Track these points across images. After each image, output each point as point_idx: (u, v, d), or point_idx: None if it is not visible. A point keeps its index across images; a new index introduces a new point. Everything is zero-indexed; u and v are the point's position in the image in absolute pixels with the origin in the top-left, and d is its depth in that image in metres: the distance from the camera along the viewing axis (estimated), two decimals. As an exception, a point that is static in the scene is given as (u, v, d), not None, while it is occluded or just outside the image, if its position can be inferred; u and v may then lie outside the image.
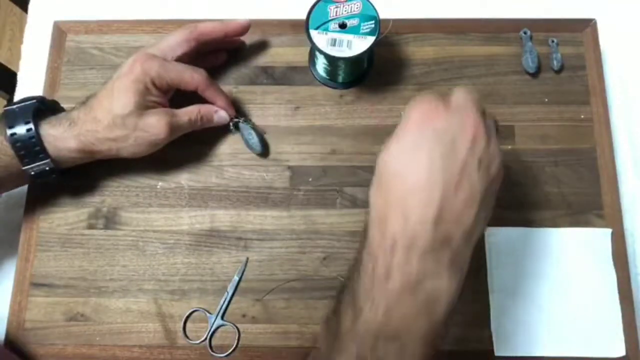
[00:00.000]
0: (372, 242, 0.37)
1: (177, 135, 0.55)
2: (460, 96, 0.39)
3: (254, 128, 0.58)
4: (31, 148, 0.50)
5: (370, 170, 0.57)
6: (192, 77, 0.54)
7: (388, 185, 0.37)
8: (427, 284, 0.35)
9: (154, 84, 0.52)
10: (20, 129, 0.49)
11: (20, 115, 0.50)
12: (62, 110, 0.56)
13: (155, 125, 0.52)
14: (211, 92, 0.56)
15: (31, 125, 0.50)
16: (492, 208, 0.38)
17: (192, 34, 0.56)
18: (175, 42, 0.55)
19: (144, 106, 0.52)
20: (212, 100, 0.56)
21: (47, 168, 0.51)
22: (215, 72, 0.60)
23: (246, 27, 0.59)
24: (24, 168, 0.50)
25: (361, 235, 0.39)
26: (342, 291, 0.39)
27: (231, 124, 0.58)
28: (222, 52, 0.61)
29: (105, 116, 0.51)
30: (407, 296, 0.35)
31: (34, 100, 0.52)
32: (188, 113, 0.55)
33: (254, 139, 0.57)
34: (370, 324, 0.36)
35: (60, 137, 0.51)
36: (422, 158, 0.36)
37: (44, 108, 0.53)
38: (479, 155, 0.36)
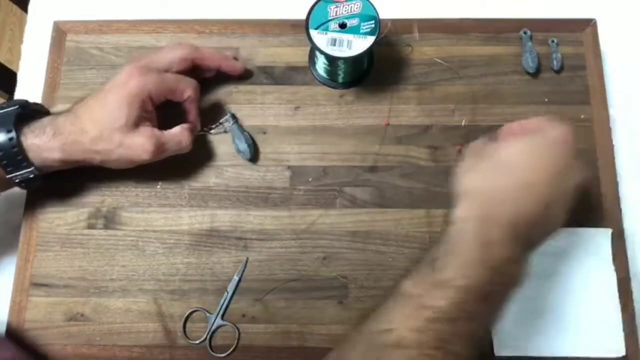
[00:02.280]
0: (477, 209, 0.40)
1: (163, 157, 0.54)
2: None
3: (243, 134, 0.58)
4: (14, 157, 0.49)
5: (371, 170, 0.57)
6: (186, 88, 0.54)
7: (507, 171, 0.41)
8: (512, 267, 0.41)
9: (150, 97, 0.52)
10: (2, 139, 0.48)
11: (1, 124, 0.49)
12: (47, 113, 0.55)
13: (140, 146, 0.51)
14: (193, 105, 0.56)
15: (13, 135, 0.48)
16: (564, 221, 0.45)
17: (191, 54, 0.56)
18: (173, 58, 0.54)
19: (133, 122, 0.51)
20: (189, 111, 0.56)
21: (31, 176, 0.50)
22: (215, 72, 0.60)
23: (240, 73, 0.59)
24: (7, 177, 0.50)
25: (453, 197, 0.43)
26: (438, 244, 0.41)
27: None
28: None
29: (94, 128, 0.50)
30: (499, 269, 0.39)
31: (16, 106, 0.50)
32: (177, 136, 0.54)
33: (243, 145, 0.57)
34: (473, 280, 0.38)
35: (45, 148, 0.50)
36: (548, 167, 0.41)
37: (27, 112, 0.51)
38: (576, 190, 0.43)
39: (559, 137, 0.42)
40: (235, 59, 0.61)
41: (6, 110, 0.50)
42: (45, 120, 0.51)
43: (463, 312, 0.37)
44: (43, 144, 0.50)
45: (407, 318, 0.37)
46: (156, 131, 0.53)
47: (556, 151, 0.42)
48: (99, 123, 0.50)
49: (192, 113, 0.56)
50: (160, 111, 0.55)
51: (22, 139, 0.49)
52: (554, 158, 0.42)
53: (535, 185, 0.40)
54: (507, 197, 0.40)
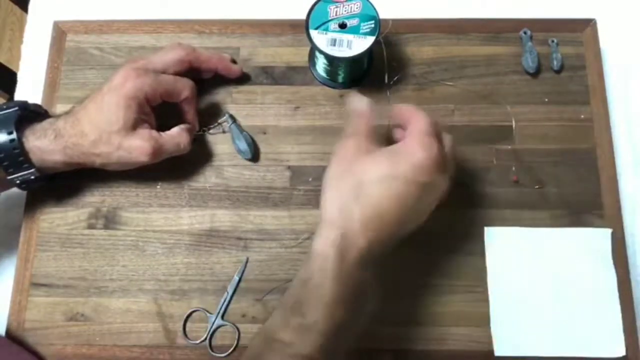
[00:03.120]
0: (334, 240, 0.42)
1: (162, 159, 0.54)
2: (449, 148, 0.45)
3: (243, 134, 0.58)
4: (15, 158, 0.49)
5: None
6: (183, 89, 0.54)
7: (365, 197, 0.42)
8: (366, 290, 0.43)
9: (147, 99, 0.52)
10: (3, 140, 0.48)
11: (2, 125, 0.49)
12: (45, 114, 0.55)
13: (139, 148, 0.51)
14: (191, 106, 0.56)
15: (14, 136, 0.48)
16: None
17: (189, 56, 0.55)
18: (170, 60, 0.54)
19: (131, 124, 0.51)
20: (187, 111, 0.56)
21: (32, 177, 0.51)
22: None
23: (238, 76, 0.60)
24: (8, 178, 0.50)
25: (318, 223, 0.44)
26: (300, 281, 0.43)
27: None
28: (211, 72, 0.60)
29: (93, 131, 0.50)
30: (355, 297, 0.42)
31: (16, 108, 0.50)
32: (175, 138, 0.54)
33: (243, 145, 0.57)
34: (334, 319, 0.41)
35: (46, 150, 0.50)
36: (407, 196, 0.42)
37: (27, 113, 0.52)
38: (435, 204, 0.45)
39: (417, 160, 0.42)
40: (234, 61, 0.61)
41: (7, 111, 0.50)
42: (46, 122, 0.51)
43: (325, 353, 0.39)
44: (44, 146, 0.50)
45: None
46: (154, 133, 0.53)
47: (412, 178, 0.42)
48: (97, 126, 0.50)
49: (190, 113, 0.56)
50: (158, 112, 0.55)
51: (24, 140, 0.49)
52: (409, 187, 0.42)
53: (386, 216, 0.41)
54: (361, 229, 0.41)
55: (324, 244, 0.41)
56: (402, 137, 0.46)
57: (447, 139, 0.47)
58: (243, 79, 0.61)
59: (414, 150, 0.42)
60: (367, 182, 0.42)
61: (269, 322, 0.43)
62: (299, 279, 0.43)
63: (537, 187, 0.56)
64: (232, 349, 0.53)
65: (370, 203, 0.42)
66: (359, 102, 0.48)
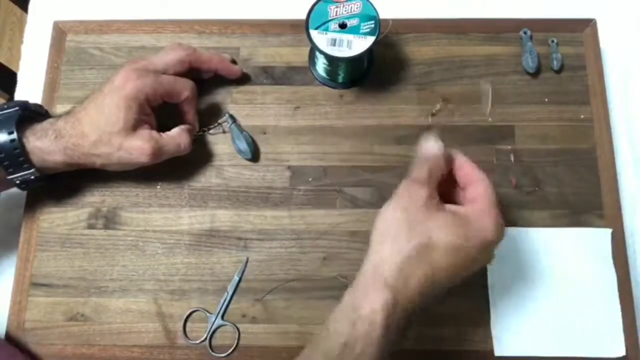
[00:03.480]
0: (389, 302, 0.40)
1: (162, 160, 0.54)
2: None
3: (243, 134, 0.58)
4: (15, 158, 0.49)
5: (370, 170, 0.57)
6: (183, 89, 0.54)
7: (429, 264, 0.41)
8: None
9: (147, 100, 0.52)
10: (3, 140, 0.48)
11: (3, 125, 0.49)
12: (46, 114, 0.56)
13: (139, 149, 0.51)
14: (191, 106, 0.55)
15: (15, 136, 0.48)
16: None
17: (189, 56, 0.56)
18: (170, 60, 0.54)
19: (132, 125, 0.51)
20: (187, 112, 0.56)
21: (32, 177, 0.51)
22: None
23: (238, 76, 0.60)
24: (8, 177, 0.50)
25: (368, 271, 0.42)
26: (349, 339, 0.40)
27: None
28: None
29: (93, 132, 0.50)
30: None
31: (17, 108, 0.50)
32: (176, 138, 0.54)
33: (243, 145, 0.57)
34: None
35: (47, 150, 0.50)
36: (464, 263, 0.41)
37: (27, 113, 0.52)
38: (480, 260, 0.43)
39: (489, 236, 0.41)
40: (234, 61, 0.61)
41: (7, 111, 0.50)
42: (47, 122, 0.51)
43: None
44: (45, 146, 0.50)
45: None
46: (154, 134, 0.53)
47: (478, 253, 0.41)
48: (97, 127, 0.50)
49: (190, 114, 0.56)
50: (158, 113, 0.55)
51: (24, 141, 0.50)
52: (473, 259, 0.41)
53: (440, 281, 0.41)
54: (416, 292, 0.40)
55: (375, 307, 0.39)
56: (462, 197, 0.45)
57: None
58: (243, 79, 0.61)
59: (487, 226, 0.41)
60: (434, 247, 0.40)
61: None
62: (339, 341, 0.39)
63: (530, 190, 0.56)
64: (232, 349, 0.53)
65: (431, 270, 0.40)
66: (433, 145, 0.45)
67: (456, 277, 0.42)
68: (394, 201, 0.43)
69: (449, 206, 0.43)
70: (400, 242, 0.40)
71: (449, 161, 0.45)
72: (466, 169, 0.45)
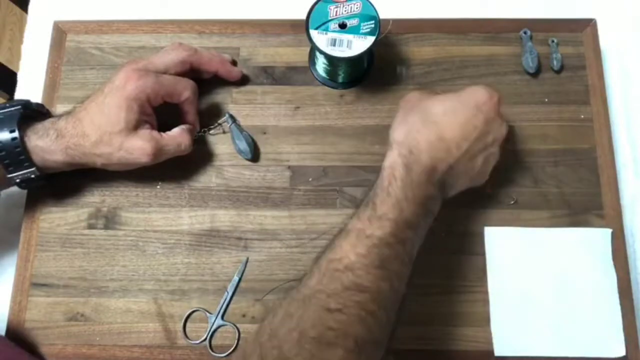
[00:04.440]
0: (406, 155, 0.47)
1: (163, 160, 0.54)
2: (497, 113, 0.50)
3: (243, 134, 0.58)
4: (16, 157, 0.49)
5: (371, 170, 0.57)
6: (184, 89, 0.54)
7: (433, 124, 0.48)
8: (432, 203, 0.47)
9: (148, 100, 0.52)
10: (5, 138, 0.48)
11: (4, 123, 0.49)
12: (48, 114, 0.56)
13: (140, 149, 0.51)
14: (192, 106, 0.55)
15: (16, 134, 0.49)
16: (471, 184, 0.51)
17: (191, 57, 0.56)
18: (171, 61, 0.54)
19: (133, 125, 0.51)
20: (187, 112, 0.56)
21: (32, 176, 0.51)
22: (215, 72, 0.60)
23: (237, 78, 0.60)
24: (8, 176, 0.50)
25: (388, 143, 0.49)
26: (373, 187, 0.47)
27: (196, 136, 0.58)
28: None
29: (94, 132, 0.50)
30: (422, 204, 0.46)
31: (19, 107, 0.50)
32: (176, 138, 0.54)
33: (243, 145, 0.57)
34: (403, 214, 0.45)
35: (48, 149, 0.50)
36: (470, 125, 0.47)
37: (29, 113, 0.52)
38: (490, 152, 0.49)
39: (480, 97, 0.48)
40: (234, 62, 0.61)
41: (9, 110, 0.50)
42: (48, 122, 0.52)
43: (397, 238, 0.44)
44: (46, 146, 0.50)
45: (353, 247, 0.43)
46: (155, 134, 0.53)
47: (475, 111, 0.48)
48: (98, 127, 0.50)
49: (191, 114, 0.56)
50: (159, 112, 0.55)
51: (26, 140, 0.50)
52: (472, 117, 0.47)
53: (450, 140, 0.47)
54: (426, 148, 0.46)
55: (392, 158, 0.47)
56: None
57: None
58: (243, 80, 0.61)
59: (478, 89, 0.49)
60: (433, 114, 0.48)
61: (351, 221, 0.46)
62: (371, 187, 0.47)
63: (512, 202, 0.57)
64: (232, 349, 0.53)
65: (435, 128, 0.47)
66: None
67: (468, 134, 0.47)
68: (398, 110, 0.51)
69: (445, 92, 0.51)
70: (405, 122, 0.49)
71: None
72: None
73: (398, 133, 0.48)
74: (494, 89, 0.49)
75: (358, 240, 0.43)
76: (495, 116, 0.49)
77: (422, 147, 0.46)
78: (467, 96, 0.49)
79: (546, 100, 0.60)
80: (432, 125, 0.47)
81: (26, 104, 0.52)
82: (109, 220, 0.57)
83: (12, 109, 0.50)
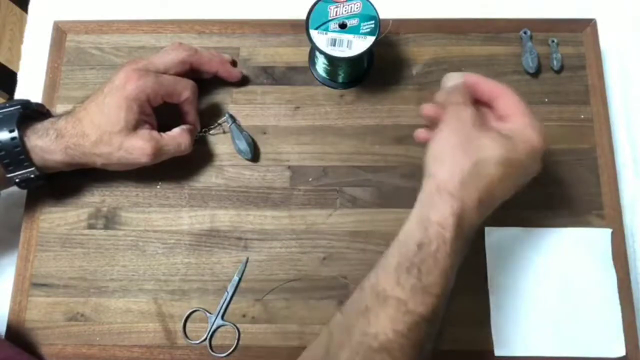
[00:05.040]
0: (454, 213, 0.42)
1: (163, 160, 0.54)
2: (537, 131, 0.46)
3: (243, 134, 0.58)
4: (16, 156, 0.49)
5: (371, 170, 0.57)
6: (184, 89, 0.54)
7: (486, 178, 0.43)
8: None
9: (148, 100, 0.52)
10: (4, 137, 0.48)
11: (4, 123, 0.49)
12: (47, 113, 0.56)
13: (139, 149, 0.51)
14: (192, 106, 0.55)
15: (16, 134, 0.49)
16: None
17: (191, 57, 0.56)
18: (171, 61, 0.54)
19: (133, 125, 0.51)
20: (188, 112, 0.56)
21: (31, 176, 0.51)
22: (215, 72, 0.60)
23: (237, 80, 0.60)
24: (8, 176, 0.50)
25: (429, 187, 0.44)
26: (419, 243, 0.42)
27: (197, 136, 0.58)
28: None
29: (94, 132, 0.50)
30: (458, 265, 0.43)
31: (18, 106, 0.51)
32: (176, 138, 0.54)
33: (243, 145, 0.57)
34: (449, 285, 0.42)
35: (48, 149, 0.50)
36: (517, 177, 0.45)
37: (28, 113, 0.52)
38: (528, 173, 0.46)
39: (534, 143, 0.44)
40: (235, 63, 0.61)
41: (9, 109, 0.50)
42: (48, 122, 0.52)
43: (439, 314, 0.41)
44: (46, 146, 0.50)
45: (392, 321, 0.40)
46: (155, 134, 0.53)
47: (530, 161, 0.45)
48: (98, 127, 0.50)
49: (191, 114, 0.56)
50: (159, 112, 0.55)
51: (25, 139, 0.50)
52: (526, 169, 0.45)
53: (500, 197, 0.45)
54: (478, 206, 0.43)
55: (444, 213, 0.42)
56: (495, 115, 0.47)
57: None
58: (243, 82, 0.61)
59: (531, 136, 0.44)
60: (488, 162, 0.43)
61: (373, 280, 0.43)
62: (414, 243, 0.42)
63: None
64: (232, 349, 0.53)
65: (489, 183, 0.43)
66: (457, 75, 0.49)
67: (511, 188, 0.45)
68: (444, 126, 0.45)
69: (492, 125, 0.46)
70: (458, 161, 0.43)
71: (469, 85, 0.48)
72: (484, 85, 0.48)
73: (449, 177, 0.43)
74: (542, 129, 0.45)
75: (398, 314, 0.40)
76: (538, 159, 0.46)
77: (475, 205, 0.42)
78: (521, 146, 0.44)
79: (546, 100, 0.60)
80: (486, 178, 0.43)
81: (26, 104, 0.52)
82: (109, 220, 0.57)
83: (12, 108, 0.50)
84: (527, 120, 0.45)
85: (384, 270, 0.43)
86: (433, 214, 0.42)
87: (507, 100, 0.46)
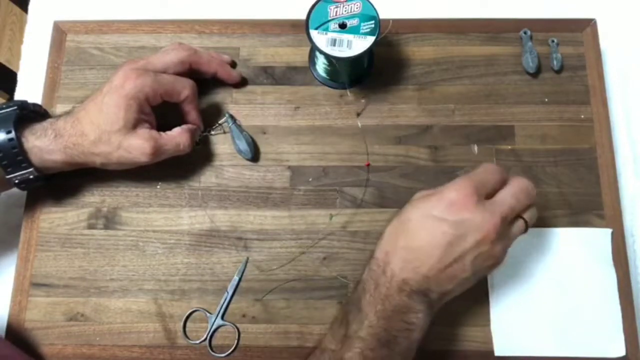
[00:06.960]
0: (375, 269, 0.46)
1: (162, 159, 0.54)
2: (503, 197, 0.46)
3: (243, 134, 0.58)
4: (13, 157, 0.49)
5: (371, 170, 0.57)
6: (183, 89, 0.54)
7: (404, 233, 0.45)
8: (409, 316, 0.44)
9: (147, 99, 0.52)
10: (1, 139, 0.48)
11: (0, 124, 0.49)
12: (45, 114, 0.56)
13: (138, 148, 0.51)
14: (192, 106, 0.55)
15: (13, 135, 0.49)
16: (473, 283, 0.47)
17: (190, 57, 0.56)
18: (171, 61, 0.54)
19: (132, 124, 0.51)
20: (188, 111, 0.56)
21: (31, 176, 0.51)
22: (215, 72, 0.60)
23: (236, 81, 0.60)
24: (7, 177, 0.50)
25: (368, 257, 0.47)
26: (348, 302, 0.47)
27: (198, 139, 0.58)
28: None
29: (93, 131, 0.50)
30: (395, 318, 0.44)
31: (15, 107, 0.50)
32: (176, 138, 0.54)
33: (243, 145, 0.57)
34: (373, 329, 0.43)
35: (46, 149, 0.50)
36: (438, 232, 0.44)
37: (26, 113, 0.52)
38: (478, 253, 0.44)
39: (450, 198, 0.45)
40: (234, 64, 0.61)
41: (6, 110, 0.50)
42: (46, 122, 0.52)
43: (366, 359, 0.43)
44: (44, 146, 0.50)
45: None
46: (154, 133, 0.53)
47: (445, 214, 0.44)
48: (97, 126, 0.50)
49: (192, 114, 0.56)
50: (160, 112, 0.55)
51: (23, 140, 0.50)
52: (439, 223, 0.44)
53: (418, 249, 0.44)
54: (396, 259, 0.45)
55: (365, 272, 0.46)
56: None
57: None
58: (241, 83, 0.61)
59: (451, 188, 0.45)
60: (407, 221, 0.46)
61: (327, 337, 0.46)
62: (349, 304, 0.46)
63: None
64: (232, 349, 0.53)
65: (405, 237, 0.45)
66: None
67: (441, 246, 0.44)
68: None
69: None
70: (385, 231, 0.47)
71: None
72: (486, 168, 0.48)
73: (378, 244, 0.47)
74: (469, 181, 0.45)
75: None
76: (470, 215, 0.44)
77: (392, 258, 0.45)
78: (438, 199, 0.45)
79: (546, 100, 0.60)
80: (403, 235, 0.45)
81: (22, 105, 0.52)
82: (109, 220, 0.57)
83: (8, 110, 0.50)
84: (458, 182, 0.46)
85: (331, 327, 0.47)
86: (363, 275, 0.47)
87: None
